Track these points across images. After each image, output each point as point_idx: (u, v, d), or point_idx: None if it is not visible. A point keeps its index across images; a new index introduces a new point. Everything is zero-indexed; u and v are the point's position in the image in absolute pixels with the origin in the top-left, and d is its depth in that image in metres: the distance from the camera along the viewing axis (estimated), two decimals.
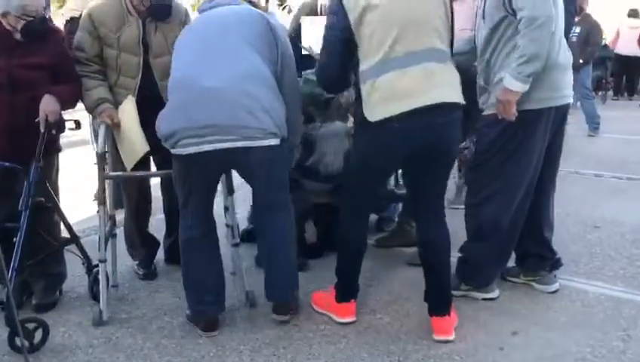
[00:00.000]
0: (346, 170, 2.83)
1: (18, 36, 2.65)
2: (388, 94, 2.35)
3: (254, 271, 3.26)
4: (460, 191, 4.48)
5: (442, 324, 2.61)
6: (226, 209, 2.98)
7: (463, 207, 4.17)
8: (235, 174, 2.78)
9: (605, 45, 10.54)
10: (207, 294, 2.66)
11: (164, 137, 2.51)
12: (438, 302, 2.64)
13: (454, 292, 2.83)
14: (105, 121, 2.86)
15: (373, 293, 3.06)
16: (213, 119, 2.40)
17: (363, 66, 2.41)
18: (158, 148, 3.07)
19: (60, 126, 2.77)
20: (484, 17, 2.74)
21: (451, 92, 2.44)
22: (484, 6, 2.73)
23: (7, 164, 2.50)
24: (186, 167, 2.54)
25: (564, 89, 2.75)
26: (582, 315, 2.82)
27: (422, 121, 2.35)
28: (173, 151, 2.51)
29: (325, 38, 2.53)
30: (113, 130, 2.92)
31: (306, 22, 3.83)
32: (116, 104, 2.95)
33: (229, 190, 2.92)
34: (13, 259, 2.46)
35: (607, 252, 3.61)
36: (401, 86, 2.34)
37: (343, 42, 2.45)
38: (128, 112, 2.89)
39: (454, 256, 3.37)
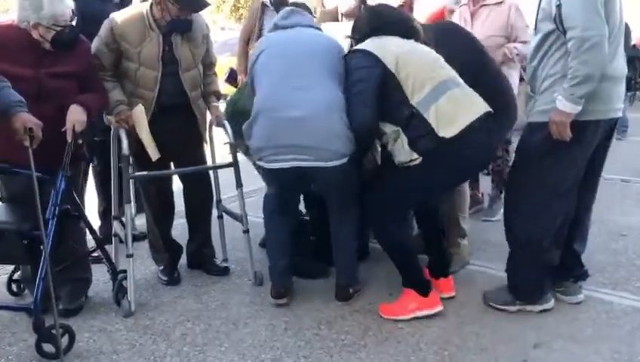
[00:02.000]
0: (401, 195, 2.86)
1: (47, 46, 2.71)
2: (454, 112, 2.65)
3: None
4: (492, 203, 4.44)
5: (447, 284, 3.08)
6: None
7: (495, 219, 4.22)
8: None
9: (634, 45, 10.34)
10: (275, 266, 3.07)
11: (253, 151, 2.91)
12: (443, 266, 3.11)
13: (508, 308, 2.88)
14: (122, 126, 2.94)
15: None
16: (294, 142, 2.74)
17: (417, 99, 2.65)
18: (176, 154, 3.15)
19: (88, 134, 2.83)
20: (535, 27, 2.71)
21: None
22: (537, 16, 2.70)
23: (40, 174, 2.54)
24: (271, 176, 2.96)
25: (616, 102, 2.68)
26: (607, 327, 2.77)
27: (483, 130, 2.69)
28: (259, 163, 2.91)
29: (360, 91, 2.71)
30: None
31: (327, 29, 3.84)
32: (130, 108, 3.04)
33: (237, 183, 3.22)
34: (40, 267, 2.51)
35: (634, 261, 3.55)
36: (460, 104, 2.68)
37: (378, 90, 2.69)
38: (139, 118, 2.96)
39: (488, 266, 3.47)
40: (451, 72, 2.76)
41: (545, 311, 2.89)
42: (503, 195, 4.34)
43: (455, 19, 4.26)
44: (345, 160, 2.78)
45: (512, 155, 4.29)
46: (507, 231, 2.93)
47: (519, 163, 2.87)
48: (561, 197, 2.75)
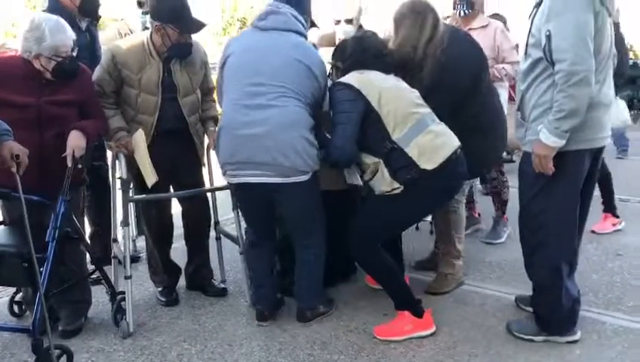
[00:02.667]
0: (384, 223, 2.95)
1: (48, 75, 2.80)
2: (434, 147, 2.79)
3: None
4: (496, 225, 4.45)
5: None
6: None
7: (498, 241, 4.27)
8: None
9: (635, 64, 10.40)
10: (258, 288, 3.18)
11: (220, 166, 2.99)
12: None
13: (534, 338, 2.86)
14: (122, 151, 3.03)
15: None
16: (252, 158, 2.82)
17: (398, 135, 2.78)
18: (176, 177, 3.23)
19: (87, 159, 2.91)
20: (525, 51, 2.72)
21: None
22: (527, 40, 2.70)
23: (35, 197, 2.62)
24: (237, 190, 3.10)
25: (605, 130, 2.70)
26: (597, 347, 2.80)
27: (458, 161, 2.87)
28: (224, 178, 3.02)
29: (343, 123, 2.80)
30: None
31: (325, 53, 3.93)
32: (130, 134, 3.11)
33: (234, 205, 3.33)
34: (39, 288, 2.57)
35: (629, 281, 3.57)
36: (437, 140, 2.82)
37: (359, 124, 2.80)
38: (138, 144, 3.04)
39: (482, 286, 3.53)
40: (427, 109, 2.89)
41: (570, 342, 2.84)
42: (505, 217, 4.43)
43: None
44: (304, 177, 2.84)
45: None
46: (526, 266, 2.93)
47: (522, 197, 2.85)
48: (568, 229, 2.75)
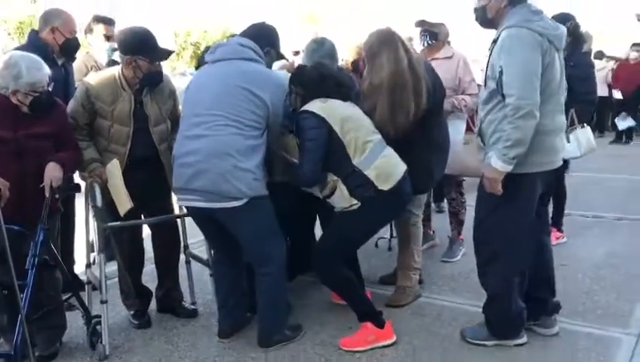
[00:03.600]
0: (345, 237, 3.21)
1: (25, 109, 2.93)
2: (389, 170, 3.09)
3: None
4: (452, 244, 4.67)
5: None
6: None
7: (454, 260, 4.51)
8: None
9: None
10: (221, 307, 3.34)
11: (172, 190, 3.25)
12: None
13: (486, 343, 3.11)
14: (96, 181, 3.19)
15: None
16: (189, 185, 3.03)
17: (358, 159, 3.05)
18: (147, 204, 3.38)
19: (64, 189, 3.04)
20: (485, 81, 2.97)
21: None
22: (486, 70, 2.95)
23: (16, 227, 2.74)
24: (189, 213, 3.30)
25: (556, 154, 2.96)
26: (542, 350, 3.09)
27: (407, 181, 3.18)
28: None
29: (309, 150, 3.06)
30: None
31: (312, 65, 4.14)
32: (104, 165, 3.26)
33: None
34: (20, 314, 2.68)
35: (568, 289, 3.88)
36: (390, 164, 3.13)
37: (324, 149, 3.06)
38: (113, 173, 3.19)
39: (438, 298, 3.75)
40: (379, 135, 3.20)
41: (518, 345, 3.10)
42: (460, 236, 4.69)
43: None
44: (238, 203, 2.95)
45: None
46: (479, 276, 3.16)
47: (479, 213, 3.09)
48: (521, 244, 2.98)
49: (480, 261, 3.14)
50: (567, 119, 4.30)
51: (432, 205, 5.48)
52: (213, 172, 2.94)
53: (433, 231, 5.02)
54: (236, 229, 3.10)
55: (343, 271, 3.19)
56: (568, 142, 4.40)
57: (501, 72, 2.79)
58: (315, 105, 3.12)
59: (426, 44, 4.44)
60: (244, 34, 3.27)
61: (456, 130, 4.27)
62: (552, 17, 4.40)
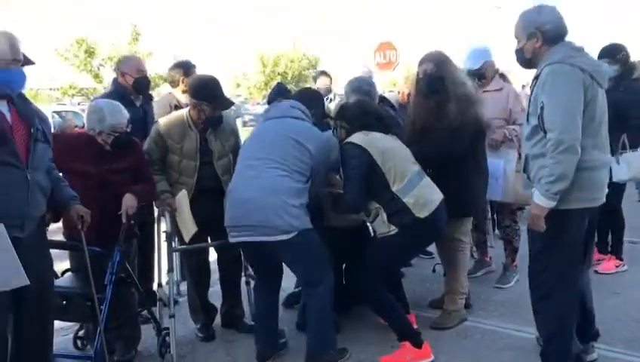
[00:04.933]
0: (384, 260, 3.46)
1: (108, 147, 3.44)
2: (426, 198, 3.35)
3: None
4: (505, 271, 4.75)
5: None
6: None
7: (507, 286, 4.58)
8: None
9: None
10: (259, 330, 3.64)
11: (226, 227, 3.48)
12: None
13: None
14: (167, 209, 3.65)
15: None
16: (244, 222, 3.32)
17: (397, 187, 3.33)
18: (212, 229, 3.80)
19: (138, 216, 3.51)
20: (527, 118, 3.04)
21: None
22: (528, 106, 2.99)
23: (97, 249, 3.23)
24: (242, 247, 3.59)
25: (601, 191, 2.97)
26: None
27: (442, 209, 3.44)
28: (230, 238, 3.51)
29: (352, 177, 3.37)
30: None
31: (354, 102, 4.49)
32: (174, 194, 3.72)
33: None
34: (100, 323, 3.14)
35: (617, 316, 3.90)
36: (427, 192, 3.39)
37: (366, 177, 3.35)
38: (182, 201, 3.65)
39: (484, 322, 3.97)
40: (418, 166, 3.48)
41: None
42: (514, 264, 4.79)
43: None
44: (289, 236, 3.23)
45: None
46: (536, 318, 3.15)
47: (531, 245, 3.13)
48: (573, 281, 3.00)
49: (534, 298, 3.12)
50: (619, 144, 4.40)
51: (493, 232, 5.58)
52: (267, 208, 3.24)
53: (490, 258, 5.13)
54: (288, 259, 3.44)
55: (384, 294, 3.45)
56: (618, 164, 4.44)
57: (542, 108, 2.82)
58: (357, 137, 3.44)
59: (477, 85, 4.66)
60: (295, 97, 3.77)
61: (509, 159, 4.43)
62: (603, 48, 4.51)
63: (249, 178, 3.37)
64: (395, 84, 10.03)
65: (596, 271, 4.71)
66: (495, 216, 5.47)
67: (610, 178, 3.91)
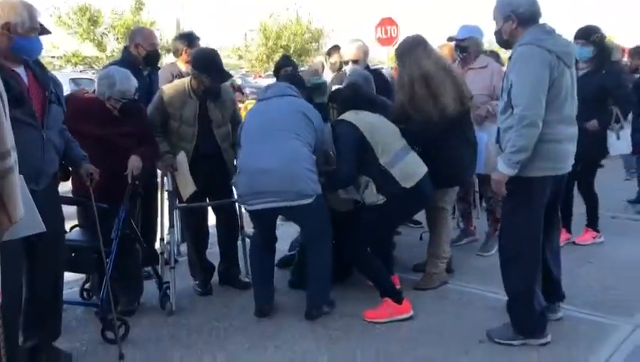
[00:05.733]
0: (372, 226, 3.74)
1: (116, 112, 3.68)
2: (411, 170, 3.64)
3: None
4: (488, 240, 5.03)
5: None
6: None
7: (488, 254, 4.83)
8: None
9: None
10: (258, 287, 3.87)
11: (238, 197, 3.77)
12: None
13: (512, 342, 3.30)
14: (168, 169, 3.91)
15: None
16: (267, 188, 3.55)
17: (385, 160, 3.59)
18: (211, 192, 4.06)
19: (142, 177, 3.76)
20: (501, 93, 3.30)
21: None
22: (503, 83, 3.31)
23: (104, 205, 3.48)
24: (251, 216, 3.81)
25: (565, 161, 3.23)
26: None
27: (427, 181, 3.74)
28: (243, 206, 3.80)
29: (344, 152, 3.63)
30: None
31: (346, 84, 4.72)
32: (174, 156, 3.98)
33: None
34: (106, 274, 3.41)
35: (589, 283, 4.21)
36: (413, 165, 3.66)
37: (356, 152, 3.60)
38: (181, 163, 3.92)
39: (463, 285, 4.23)
40: (404, 141, 3.76)
41: (542, 344, 3.28)
42: (497, 233, 5.03)
43: None
44: (309, 200, 3.53)
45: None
46: (504, 278, 3.38)
47: (502, 215, 3.48)
48: (537, 244, 3.26)
49: (502, 260, 3.38)
50: (612, 118, 4.68)
51: (480, 205, 5.82)
52: (291, 175, 3.51)
53: (474, 228, 5.40)
54: (303, 221, 3.75)
55: (368, 256, 3.73)
56: (618, 139, 4.70)
57: (511, 85, 3.13)
58: (348, 115, 3.73)
59: (460, 57, 4.90)
60: (284, 78, 4.12)
61: (492, 133, 4.65)
62: (578, 29, 4.70)
63: (267, 150, 3.58)
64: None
65: (574, 243, 5.02)
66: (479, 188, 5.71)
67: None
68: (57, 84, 3.04)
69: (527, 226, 3.24)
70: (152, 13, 25.94)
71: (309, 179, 3.56)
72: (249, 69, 34.16)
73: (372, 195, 3.63)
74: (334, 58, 5.49)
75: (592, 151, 4.61)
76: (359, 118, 3.70)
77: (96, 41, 25.37)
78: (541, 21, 3.23)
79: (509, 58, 3.29)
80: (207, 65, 3.91)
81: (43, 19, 2.96)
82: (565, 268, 4.27)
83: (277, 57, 31.14)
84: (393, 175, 3.60)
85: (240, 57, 35.20)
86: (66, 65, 27.44)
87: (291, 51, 30.90)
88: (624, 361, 3.13)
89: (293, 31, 32.52)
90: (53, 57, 29.13)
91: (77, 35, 25.15)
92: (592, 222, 5.16)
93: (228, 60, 34.33)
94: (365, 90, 3.94)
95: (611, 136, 4.80)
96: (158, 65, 4.82)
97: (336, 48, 5.62)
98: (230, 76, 4.05)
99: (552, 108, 3.10)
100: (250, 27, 33.30)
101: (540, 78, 3.06)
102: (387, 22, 14.06)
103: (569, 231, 5.18)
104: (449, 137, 3.91)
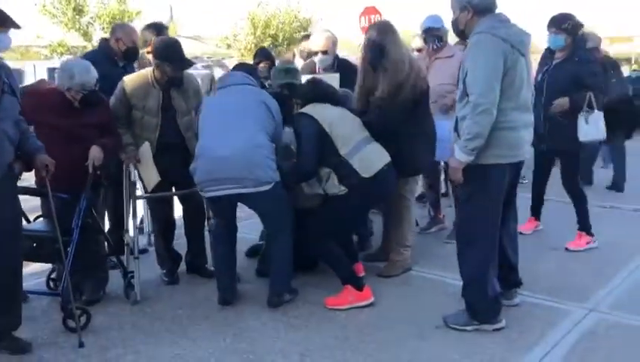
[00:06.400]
0: (334, 217, 3.77)
1: (76, 103, 3.69)
2: (370, 160, 3.67)
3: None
4: (455, 229, 5.10)
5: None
6: None
7: (453, 241, 4.74)
8: None
9: None
10: (220, 277, 3.88)
11: (197, 183, 3.73)
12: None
13: (466, 328, 3.35)
14: (131, 161, 3.93)
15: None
16: (225, 175, 3.57)
17: (344, 151, 3.63)
18: (176, 182, 4.09)
19: (104, 167, 3.78)
20: (457, 81, 3.37)
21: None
22: (459, 72, 3.36)
23: (65, 195, 3.51)
24: (210, 203, 3.87)
25: (520, 148, 3.27)
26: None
27: (389, 171, 3.76)
28: (201, 193, 3.78)
29: (304, 145, 3.68)
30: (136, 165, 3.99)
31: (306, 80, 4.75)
32: (138, 147, 3.99)
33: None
34: (66, 263, 3.43)
35: (547, 269, 4.29)
36: (372, 155, 3.70)
37: (317, 144, 3.65)
38: (145, 153, 3.93)
39: (426, 272, 4.32)
40: (366, 133, 3.80)
41: (497, 329, 3.35)
42: None
43: None
44: (267, 187, 3.57)
45: None
46: (459, 264, 3.43)
47: (459, 202, 3.54)
48: (494, 231, 3.32)
49: (458, 246, 3.45)
50: (584, 103, 4.57)
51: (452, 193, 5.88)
52: (250, 162, 3.53)
53: (443, 216, 5.46)
54: (262, 208, 3.78)
55: (330, 246, 3.76)
56: (587, 123, 4.57)
57: (466, 73, 3.18)
58: (307, 108, 3.78)
59: (435, 47, 4.91)
60: (239, 68, 4.25)
61: None
62: (551, 17, 4.70)
63: (226, 137, 3.60)
64: None
65: (567, 249, 4.75)
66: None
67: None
68: (10, 75, 3.05)
69: (483, 213, 3.29)
70: (139, 3, 25.68)
71: (267, 166, 3.59)
72: (239, 58, 33.97)
73: (334, 186, 3.67)
74: (303, 46, 5.56)
75: (568, 142, 4.60)
76: (318, 111, 3.74)
77: (82, 31, 25.12)
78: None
79: (466, 46, 3.33)
80: (168, 53, 3.93)
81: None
82: (528, 255, 4.39)
83: (265, 46, 30.98)
84: (352, 165, 3.64)
85: (229, 46, 35.04)
86: (52, 55, 27.26)
87: (280, 40, 30.81)
88: (572, 346, 3.20)
89: (282, 20, 32.36)
90: (40, 47, 28.92)
91: (62, 25, 24.89)
92: (584, 224, 4.84)
93: (217, 50, 34.20)
94: (325, 84, 3.97)
95: (580, 120, 4.65)
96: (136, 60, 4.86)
97: (306, 37, 5.71)
98: (192, 64, 4.08)
99: (507, 96, 3.14)
100: (241, 16, 33.04)
101: (493, 66, 3.09)
102: (371, 10, 14.03)
103: (538, 219, 5.25)
104: (403, 128, 3.90)
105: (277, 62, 6.06)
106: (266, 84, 4.85)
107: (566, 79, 4.61)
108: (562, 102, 4.61)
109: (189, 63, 4.05)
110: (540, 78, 4.82)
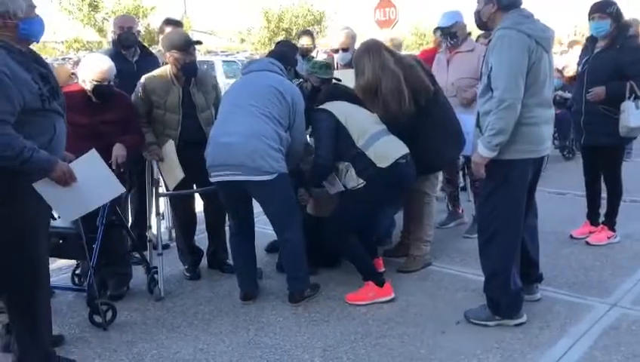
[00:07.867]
0: (353, 211, 3.78)
1: (93, 98, 3.74)
2: (387, 151, 3.65)
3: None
4: (475, 222, 4.90)
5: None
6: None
7: (475, 236, 4.82)
8: None
9: None
10: (240, 273, 3.91)
11: (207, 167, 3.72)
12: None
13: (488, 323, 3.37)
14: (154, 158, 3.97)
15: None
16: (228, 162, 3.58)
17: (361, 143, 3.65)
18: (197, 179, 4.13)
19: (127, 164, 3.83)
20: (480, 76, 3.34)
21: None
22: (481, 66, 3.34)
23: None
24: (219, 189, 3.81)
25: (543, 143, 3.26)
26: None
27: (406, 163, 3.74)
28: (210, 178, 3.75)
29: (321, 138, 3.72)
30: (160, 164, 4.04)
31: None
32: (161, 145, 4.04)
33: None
34: (92, 259, 3.50)
35: (570, 264, 4.27)
36: (389, 146, 3.68)
37: (334, 137, 3.69)
38: (169, 151, 3.97)
39: (446, 267, 4.31)
40: (382, 126, 3.80)
41: (518, 324, 3.35)
42: None
43: (434, 63, 5.13)
44: (269, 177, 3.55)
45: None
46: (481, 258, 3.43)
47: (481, 196, 3.49)
48: (516, 225, 3.30)
49: (481, 241, 3.42)
50: (626, 91, 4.30)
51: (471, 187, 5.86)
52: (251, 150, 3.53)
53: (462, 210, 5.45)
54: (264, 199, 3.75)
55: (350, 241, 3.78)
56: (637, 108, 4.29)
57: (490, 68, 3.16)
58: (327, 105, 3.81)
59: (449, 45, 4.90)
60: (272, 53, 4.13)
61: None
62: (594, 3, 4.52)
63: (232, 123, 3.64)
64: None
65: (587, 243, 4.69)
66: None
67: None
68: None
69: (506, 208, 3.28)
70: None
71: (269, 156, 3.56)
72: (253, 52, 34.06)
73: (352, 179, 3.69)
74: (303, 41, 5.64)
75: (610, 135, 4.41)
76: (334, 106, 3.78)
77: (97, 27, 25.33)
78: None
79: (489, 41, 3.31)
80: (172, 41, 3.98)
81: (44, 5, 3.01)
82: (549, 250, 4.41)
83: (279, 39, 31.12)
84: (368, 156, 3.65)
85: (243, 40, 35.10)
86: (68, 51, 27.49)
87: (293, 34, 30.76)
88: (595, 342, 3.19)
89: (295, 13, 32.35)
90: (56, 42, 29.19)
91: (78, 21, 25.12)
92: (611, 220, 4.74)
93: (230, 44, 34.25)
94: (343, 87, 4.02)
95: (630, 107, 4.29)
96: (147, 48, 4.91)
97: (306, 33, 5.80)
98: (198, 42, 4.18)
99: (531, 92, 3.14)
100: (254, 10, 33.16)
101: (518, 61, 3.09)
102: (385, 4, 13.95)
103: (594, 223, 4.88)
104: (421, 126, 3.87)
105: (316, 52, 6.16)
106: (303, 69, 4.90)
107: (607, 69, 4.38)
108: (599, 92, 4.40)
109: (195, 42, 4.14)
110: (580, 69, 4.64)
